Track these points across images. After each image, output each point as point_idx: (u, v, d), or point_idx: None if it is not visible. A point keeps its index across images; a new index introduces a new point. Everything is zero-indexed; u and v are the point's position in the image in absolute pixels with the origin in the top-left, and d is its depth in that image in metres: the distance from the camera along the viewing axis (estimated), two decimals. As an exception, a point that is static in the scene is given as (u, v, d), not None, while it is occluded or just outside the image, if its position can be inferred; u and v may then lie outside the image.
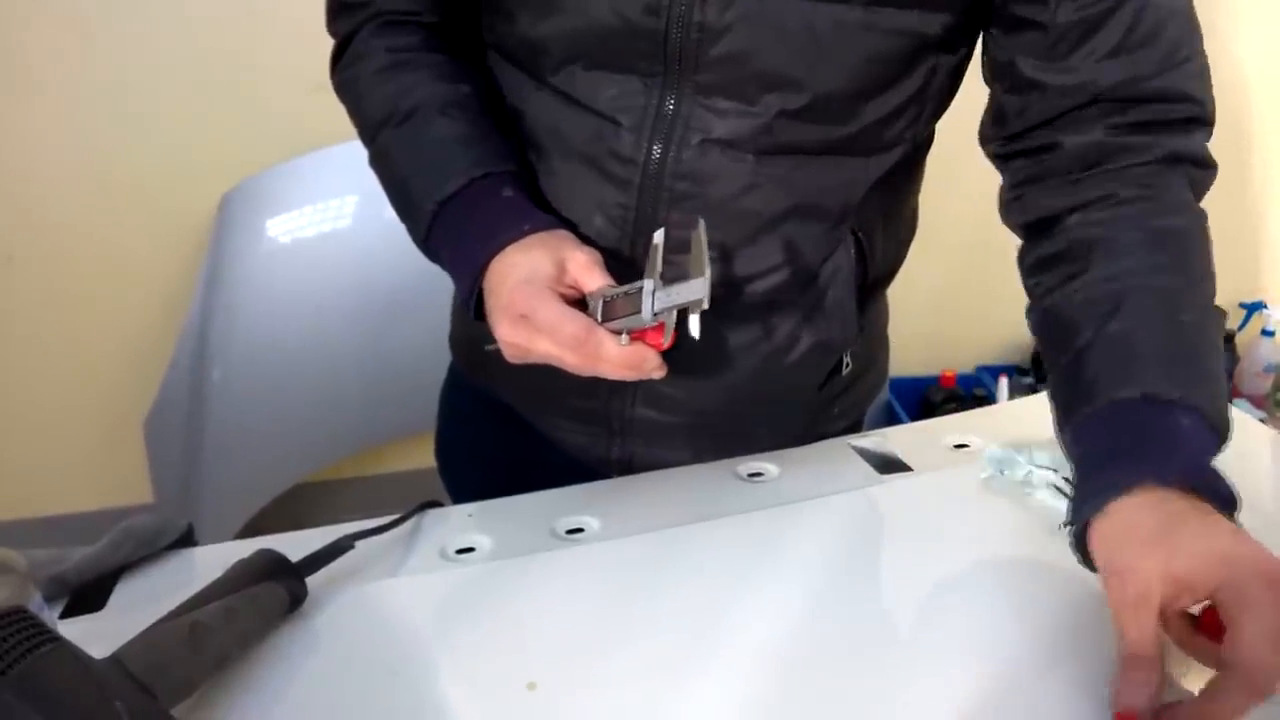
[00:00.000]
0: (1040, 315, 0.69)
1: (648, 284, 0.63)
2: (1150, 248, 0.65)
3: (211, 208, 1.80)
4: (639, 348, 0.64)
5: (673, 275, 0.65)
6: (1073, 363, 0.63)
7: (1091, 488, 0.57)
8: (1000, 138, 0.73)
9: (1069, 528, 0.60)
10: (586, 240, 0.72)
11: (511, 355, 0.67)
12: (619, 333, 0.64)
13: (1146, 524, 0.54)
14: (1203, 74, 0.68)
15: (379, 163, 0.76)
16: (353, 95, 0.78)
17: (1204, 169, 0.69)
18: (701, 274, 0.61)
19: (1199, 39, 0.67)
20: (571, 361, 0.64)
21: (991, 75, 0.73)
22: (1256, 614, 0.49)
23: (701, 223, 0.64)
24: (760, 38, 0.65)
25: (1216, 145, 0.69)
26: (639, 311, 0.63)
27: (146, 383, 1.84)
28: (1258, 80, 2.34)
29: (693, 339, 0.62)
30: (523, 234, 0.68)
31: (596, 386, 0.80)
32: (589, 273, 0.66)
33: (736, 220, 0.72)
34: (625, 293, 0.65)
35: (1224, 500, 0.55)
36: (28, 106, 1.73)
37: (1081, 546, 0.58)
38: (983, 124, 0.75)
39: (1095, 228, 0.67)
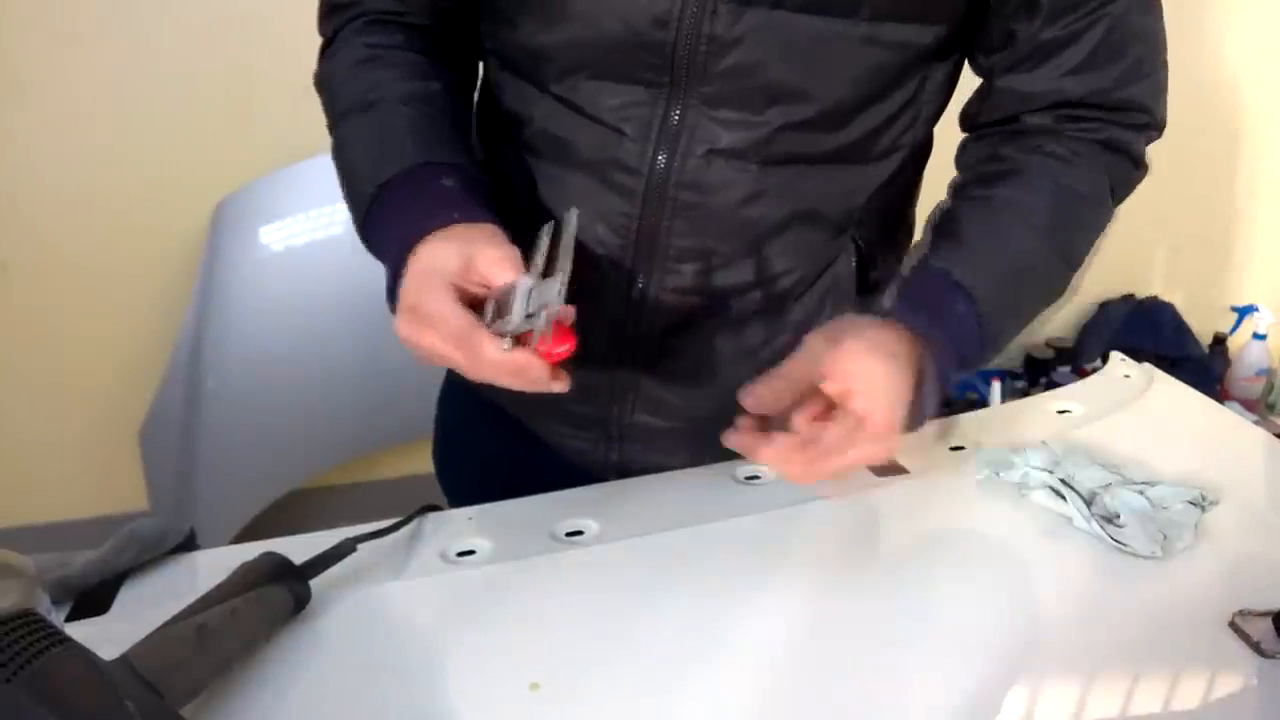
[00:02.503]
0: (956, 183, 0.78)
1: (522, 282, 0.56)
2: (1049, 195, 0.72)
3: (206, 215, 1.80)
4: (520, 354, 0.57)
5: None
6: (943, 221, 0.74)
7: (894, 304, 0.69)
8: (969, 128, 0.80)
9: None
10: (588, 250, 0.72)
11: (410, 350, 0.63)
12: (502, 335, 0.57)
13: (880, 341, 0.64)
14: (1161, 87, 0.74)
15: (337, 153, 0.74)
16: (326, 88, 0.77)
17: (1135, 167, 0.75)
18: (563, 270, 0.55)
19: (1163, 52, 0.72)
20: (459, 361, 0.60)
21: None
22: (884, 393, 0.62)
23: (574, 212, 0.61)
24: (768, 50, 0.66)
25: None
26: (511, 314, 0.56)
27: (142, 390, 1.84)
28: (1248, 83, 2.35)
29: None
30: (451, 222, 0.64)
31: (595, 392, 0.80)
32: (498, 268, 0.60)
33: (740, 229, 0.73)
34: (507, 291, 0.57)
35: (942, 383, 0.68)
36: (21, 115, 1.73)
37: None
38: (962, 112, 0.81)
39: (1020, 156, 0.74)
